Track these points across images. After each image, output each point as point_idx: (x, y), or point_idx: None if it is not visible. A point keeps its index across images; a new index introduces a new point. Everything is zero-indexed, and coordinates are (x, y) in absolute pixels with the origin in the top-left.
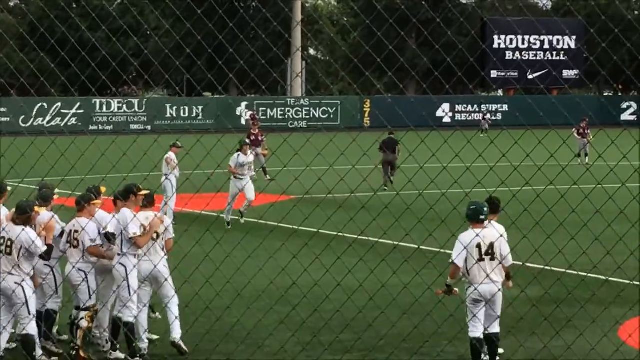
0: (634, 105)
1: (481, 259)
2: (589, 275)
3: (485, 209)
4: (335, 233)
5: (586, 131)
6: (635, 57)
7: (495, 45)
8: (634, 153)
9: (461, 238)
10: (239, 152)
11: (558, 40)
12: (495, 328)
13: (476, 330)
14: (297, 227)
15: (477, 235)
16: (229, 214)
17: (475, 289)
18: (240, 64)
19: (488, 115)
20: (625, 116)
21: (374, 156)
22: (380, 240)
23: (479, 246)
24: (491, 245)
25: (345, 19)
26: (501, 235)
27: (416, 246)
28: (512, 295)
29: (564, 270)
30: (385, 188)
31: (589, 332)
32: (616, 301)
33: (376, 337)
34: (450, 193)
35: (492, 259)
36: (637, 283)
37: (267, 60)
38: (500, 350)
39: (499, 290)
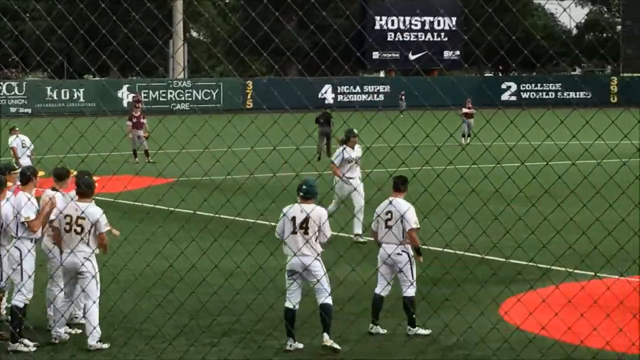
0: (514, 86)
1: (294, 232)
2: (466, 254)
3: (305, 186)
4: (212, 215)
5: (471, 110)
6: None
7: (377, 27)
8: (509, 133)
9: (284, 210)
10: (345, 146)
11: (438, 22)
12: (324, 299)
13: (288, 302)
14: (173, 209)
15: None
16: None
17: (289, 261)
18: (114, 46)
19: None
20: (505, 96)
21: (250, 138)
22: (258, 222)
23: (293, 219)
24: (306, 220)
25: (226, 0)
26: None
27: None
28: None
29: (441, 249)
30: (319, 157)
31: (467, 311)
32: (492, 279)
33: (254, 319)
34: (327, 174)
35: (306, 232)
36: (513, 261)
37: (148, 43)
38: (383, 331)
39: (309, 263)
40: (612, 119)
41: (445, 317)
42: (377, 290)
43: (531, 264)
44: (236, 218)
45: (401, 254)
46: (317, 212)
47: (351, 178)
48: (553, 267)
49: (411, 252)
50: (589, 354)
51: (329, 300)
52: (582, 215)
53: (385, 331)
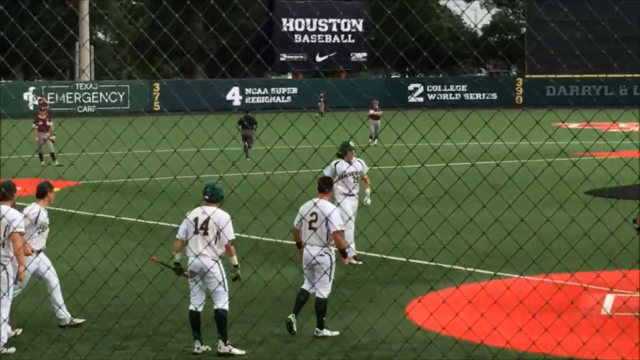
0: (420, 87)
1: (196, 232)
2: (367, 254)
3: (209, 189)
4: (113, 217)
5: (377, 112)
6: (420, 39)
7: (284, 29)
8: (412, 135)
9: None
10: (339, 159)
11: (345, 24)
12: (220, 304)
13: (191, 304)
14: (74, 212)
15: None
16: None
17: (190, 262)
18: (12, 48)
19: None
20: (413, 98)
21: (149, 140)
22: (159, 224)
23: (196, 220)
24: (206, 221)
25: (134, 2)
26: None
27: None
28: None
29: None
30: (248, 158)
31: (369, 312)
32: (394, 280)
33: (157, 321)
34: (228, 177)
35: (205, 234)
36: (414, 262)
37: (54, 45)
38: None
39: (210, 266)
40: (510, 120)
41: (347, 319)
42: (304, 287)
43: (432, 264)
44: (137, 220)
45: (324, 255)
46: (218, 215)
47: (350, 195)
48: (454, 267)
49: (333, 254)
50: (489, 353)
51: (225, 306)
52: (481, 216)
53: (296, 330)
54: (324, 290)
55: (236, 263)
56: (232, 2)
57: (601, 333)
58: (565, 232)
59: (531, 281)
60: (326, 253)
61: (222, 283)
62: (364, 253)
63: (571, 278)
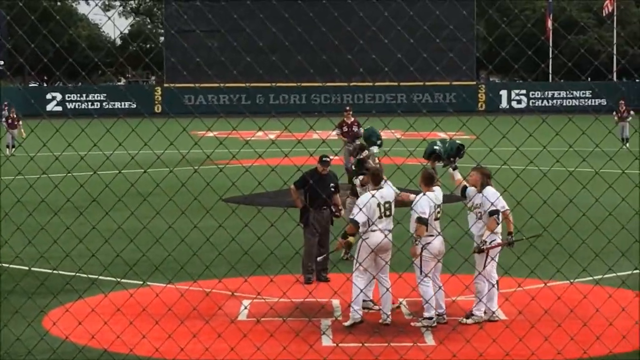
0: (59, 96)
1: None
2: (12, 266)
3: None
4: None
5: (18, 122)
6: (62, 48)
7: None
8: (57, 143)
9: None
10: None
11: None
12: None
13: None
14: None
15: None
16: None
17: None
18: None
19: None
20: (51, 107)
21: None
22: None
23: None
24: None
25: None
26: None
27: None
28: None
29: None
30: None
31: (14, 324)
32: (40, 290)
33: None
34: None
35: None
36: (61, 272)
37: None
38: None
39: None
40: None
41: None
42: None
43: (80, 275)
44: None
45: None
46: None
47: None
48: (101, 277)
49: None
50: None
51: None
52: (129, 223)
53: None
54: None
55: None
56: None
57: (223, 338)
58: (209, 239)
59: (180, 289)
60: None
61: None
62: (8, 265)
63: (194, 284)
